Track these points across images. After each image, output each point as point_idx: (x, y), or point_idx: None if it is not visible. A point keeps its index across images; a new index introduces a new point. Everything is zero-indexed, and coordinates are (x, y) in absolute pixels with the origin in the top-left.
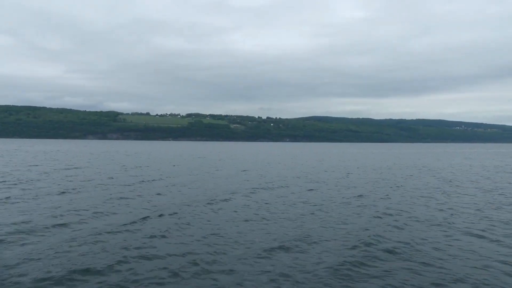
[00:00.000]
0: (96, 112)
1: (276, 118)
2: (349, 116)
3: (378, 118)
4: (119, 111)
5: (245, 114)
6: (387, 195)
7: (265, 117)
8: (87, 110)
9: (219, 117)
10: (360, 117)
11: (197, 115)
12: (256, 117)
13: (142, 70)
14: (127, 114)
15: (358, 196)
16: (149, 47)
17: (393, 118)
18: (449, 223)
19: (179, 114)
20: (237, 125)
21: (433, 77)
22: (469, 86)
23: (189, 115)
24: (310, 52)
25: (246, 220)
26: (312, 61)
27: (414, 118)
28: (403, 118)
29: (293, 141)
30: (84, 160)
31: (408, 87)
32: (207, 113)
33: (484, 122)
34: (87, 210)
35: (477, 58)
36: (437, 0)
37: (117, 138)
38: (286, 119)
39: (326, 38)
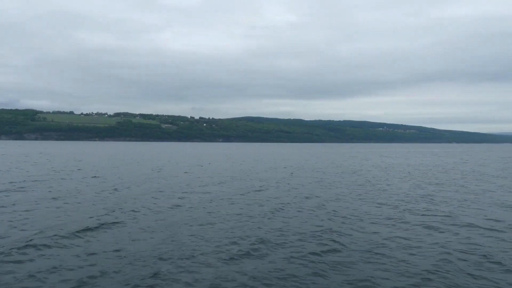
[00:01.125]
0: (11, 110)
1: (209, 118)
2: (281, 117)
3: (308, 119)
4: (38, 109)
5: (177, 114)
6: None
7: (197, 117)
8: (0, 108)
9: (150, 116)
10: (291, 118)
11: (126, 114)
12: (189, 117)
13: (64, 66)
14: (48, 113)
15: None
16: (72, 42)
17: (322, 119)
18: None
19: (106, 114)
20: (169, 125)
21: (358, 81)
22: (390, 91)
23: (117, 115)
24: (241, 53)
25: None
26: (243, 62)
27: (342, 120)
28: (332, 119)
29: (226, 141)
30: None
31: (336, 90)
32: (137, 112)
33: (404, 124)
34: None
35: (396, 64)
36: (360, 10)
37: (36, 139)
38: (219, 119)
39: (256, 40)
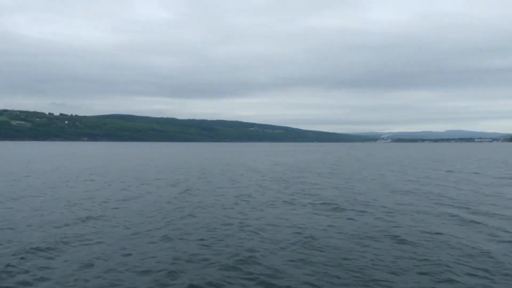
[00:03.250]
0: None
1: (71, 115)
2: (153, 115)
3: (182, 118)
4: None
5: (32, 110)
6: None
7: (58, 114)
8: None
9: None
10: (165, 117)
11: None
12: (47, 113)
13: None
14: None
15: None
16: None
17: (196, 118)
18: None
19: None
20: (21, 122)
21: (232, 82)
22: (261, 92)
23: None
24: (110, 47)
25: None
26: (112, 56)
27: (215, 119)
28: (205, 118)
29: (92, 141)
30: None
31: (210, 90)
32: None
33: (272, 124)
34: None
35: (267, 68)
36: (237, 13)
37: None
38: (84, 116)
39: (127, 35)
